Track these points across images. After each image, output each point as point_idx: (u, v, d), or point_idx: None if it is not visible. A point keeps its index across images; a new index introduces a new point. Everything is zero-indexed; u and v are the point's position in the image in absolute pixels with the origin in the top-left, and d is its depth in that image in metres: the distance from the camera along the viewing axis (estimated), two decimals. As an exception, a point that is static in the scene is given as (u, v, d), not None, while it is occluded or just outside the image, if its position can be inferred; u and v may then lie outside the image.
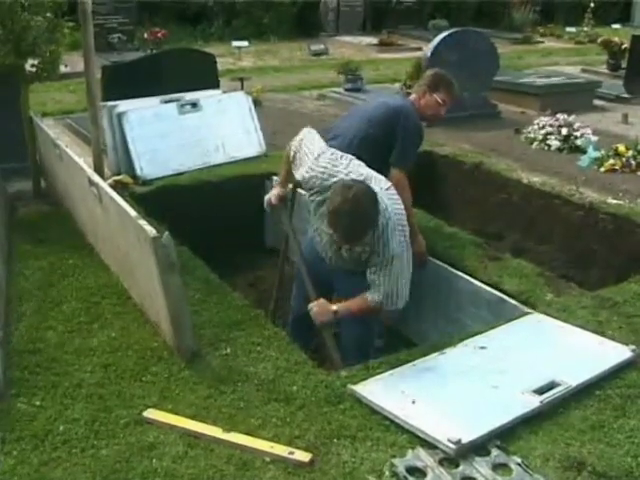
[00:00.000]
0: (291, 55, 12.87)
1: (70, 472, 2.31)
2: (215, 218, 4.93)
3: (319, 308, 3.25)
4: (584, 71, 10.90)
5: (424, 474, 2.27)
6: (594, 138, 6.15)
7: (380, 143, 3.86)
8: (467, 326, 3.73)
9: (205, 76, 6.57)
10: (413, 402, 2.57)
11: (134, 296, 3.45)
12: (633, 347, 2.97)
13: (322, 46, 13.06)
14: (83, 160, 3.93)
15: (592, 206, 4.77)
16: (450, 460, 2.32)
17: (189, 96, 5.68)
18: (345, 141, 3.85)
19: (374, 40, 14.18)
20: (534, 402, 2.60)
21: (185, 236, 3.86)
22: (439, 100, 4.03)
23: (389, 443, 2.42)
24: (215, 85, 6.47)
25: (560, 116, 6.62)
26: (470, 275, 3.96)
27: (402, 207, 3.22)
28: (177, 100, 5.60)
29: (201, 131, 5.57)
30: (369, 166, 3.38)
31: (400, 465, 2.29)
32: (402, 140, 3.85)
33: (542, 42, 15.51)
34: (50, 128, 4.94)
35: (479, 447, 2.38)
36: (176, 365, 2.90)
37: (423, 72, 5.12)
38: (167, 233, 2.76)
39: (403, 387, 2.68)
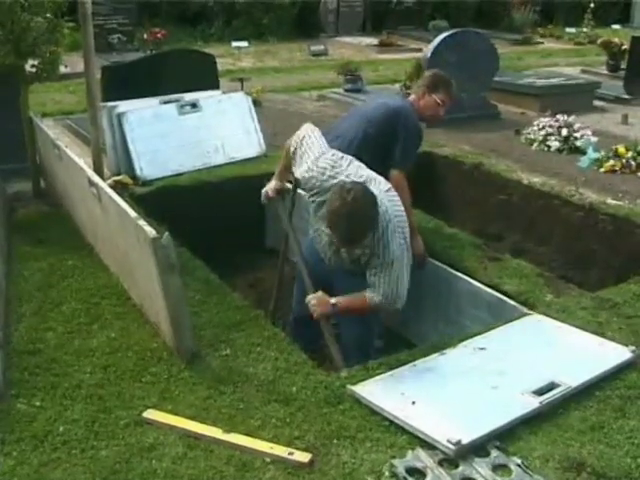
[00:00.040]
0: (291, 56, 12.87)
1: (70, 473, 2.31)
2: (215, 219, 4.93)
3: (317, 300, 3.26)
4: (584, 72, 10.90)
5: (424, 475, 2.27)
6: (594, 139, 6.16)
7: (380, 144, 3.86)
8: (467, 327, 3.73)
9: (205, 77, 6.57)
10: (413, 403, 2.57)
11: (134, 297, 3.45)
12: (633, 348, 2.97)
13: (322, 47, 13.05)
14: (83, 160, 3.93)
15: (592, 207, 4.77)
16: (450, 461, 2.32)
17: (189, 97, 5.68)
18: (345, 142, 3.85)
19: (374, 41, 14.17)
20: (534, 403, 2.60)
21: (185, 237, 3.86)
22: (438, 101, 4.04)
23: (389, 444, 2.42)
24: (215, 86, 6.47)
25: (560, 117, 6.62)
26: (470, 276, 3.96)
27: (402, 208, 3.22)
28: (177, 101, 5.60)
29: (201, 132, 5.57)
30: (369, 167, 3.38)
31: (400, 466, 2.29)
32: (402, 141, 3.86)
33: (542, 43, 15.50)
34: (50, 129, 4.93)
35: (479, 448, 2.38)
36: (176, 366, 2.90)
37: (423, 73, 5.13)
38: (167, 234, 2.76)
39: (403, 388, 2.68)
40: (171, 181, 5.20)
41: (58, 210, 4.61)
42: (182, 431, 2.49)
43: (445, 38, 7.30)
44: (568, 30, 16.14)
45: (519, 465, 2.31)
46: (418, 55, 10.01)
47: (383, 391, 2.66)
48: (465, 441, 2.34)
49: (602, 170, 5.74)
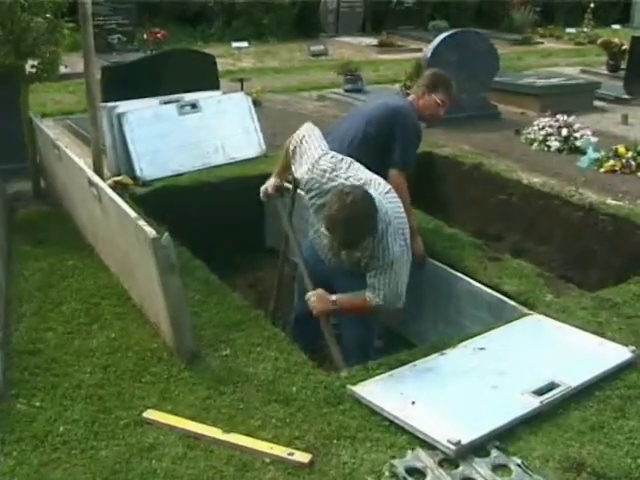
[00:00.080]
0: (291, 56, 12.87)
1: (70, 473, 2.31)
2: (215, 219, 4.93)
3: (317, 297, 3.26)
4: (584, 72, 10.90)
5: (424, 475, 2.27)
6: (594, 139, 6.16)
7: (379, 143, 3.86)
8: (467, 327, 3.73)
9: (205, 77, 6.58)
10: (413, 403, 2.57)
11: (134, 297, 3.45)
12: (633, 348, 2.97)
13: (322, 47, 13.05)
14: (83, 161, 3.93)
15: (592, 207, 4.77)
16: (450, 461, 2.32)
17: (189, 97, 5.68)
18: (345, 142, 3.86)
19: (374, 41, 14.17)
20: (534, 403, 2.60)
21: (185, 237, 3.86)
22: (438, 100, 4.03)
23: (389, 444, 2.42)
24: (215, 86, 6.48)
25: (560, 117, 6.62)
26: (470, 276, 3.96)
27: (402, 210, 3.22)
28: (177, 101, 5.60)
29: (201, 132, 5.57)
30: (369, 167, 3.37)
31: (400, 466, 2.29)
32: (401, 140, 3.86)
33: (542, 43, 15.50)
34: (50, 129, 4.94)
35: (479, 448, 2.38)
36: (176, 366, 2.90)
37: (423, 73, 5.12)
38: (167, 234, 2.76)
39: (403, 388, 2.68)
40: (171, 181, 5.20)
41: (58, 210, 4.61)
42: (182, 431, 2.49)
43: (445, 38, 7.31)
44: (568, 30, 16.14)
45: (519, 465, 2.31)
46: (418, 55, 10.01)
47: (383, 391, 2.66)
48: (465, 441, 2.34)
49: (602, 170, 5.74)
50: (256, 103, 6.70)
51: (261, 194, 3.91)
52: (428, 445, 2.38)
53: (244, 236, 5.06)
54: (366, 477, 2.28)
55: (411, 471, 2.28)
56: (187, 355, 2.93)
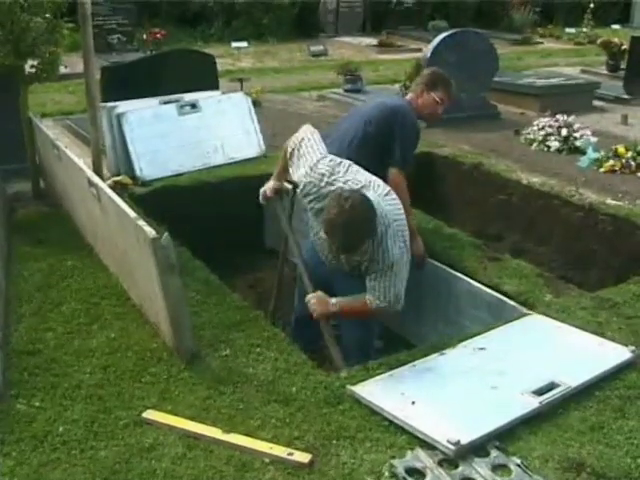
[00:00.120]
0: (290, 56, 12.87)
1: (69, 473, 2.31)
2: (215, 219, 4.93)
3: (317, 299, 3.26)
4: (583, 72, 10.90)
5: (423, 475, 2.27)
6: (594, 139, 6.16)
7: (379, 143, 3.86)
8: (466, 328, 3.73)
9: (204, 77, 6.58)
10: (412, 403, 2.57)
11: (133, 297, 3.45)
12: (633, 348, 2.97)
13: (321, 47, 13.06)
14: (82, 161, 3.93)
15: (592, 207, 4.77)
16: (449, 461, 2.32)
17: (188, 97, 5.68)
18: (344, 143, 3.86)
19: (374, 41, 14.17)
20: (533, 403, 2.60)
21: (185, 237, 3.86)
22: (437, 99, 4.03)
23: (388, 444, 2.42)
24: (214, 86, 6.48)
25: (560, 117, 6.62)
26: (469, 276, 3.96)
27: (402, 211, 3.21)
28: (176, 101, 5.60)
29: (200, 132, 5.57)
30: (368, 167, 3.37)
31: (399, 466, 2.29)
32: (400, 140, 3.86)
33: (541, 43, 15.51)
34: (49, 129, 4.94)
35: (478, 448, 2.38)
36: (175, 366, 2.90)
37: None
38: (166, 234, 2.76)
39: (402, 388, 2.68)
40: (171, 181, 5.20)
41: (58, 210, 4.61)
42: (182, 431, 2.49)
43: (445, 38, 7.31)
44: (568, 30, 16.14)
45: (519, 465, 2.31)
46: (418, 55, 10.02)
47: (383, 391, 2.66)
48: (465, 441, 2.34)
49: (602, 170, 5.74)
50: (256, 103, 6.70)
51: (260, 197, 3.90)
52: (428, 445, 2.38)
53: (244, 236, 5.06)
54: (366, 477, 2.28)
55: (411, 471, 2.28)
56: (187, 355, 2.93)
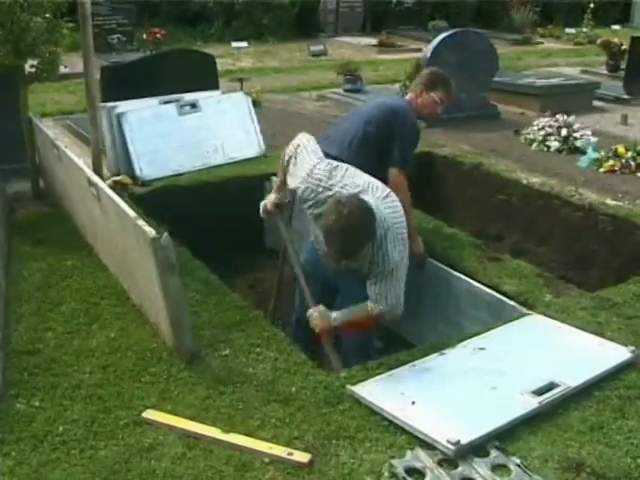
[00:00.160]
0: (290, 56, 12.87)
1: (69, 473, 2.31)
2: (214, 219, 4.93)
3: (319, 314, 3.20)
4: (583, 72, 10.90)
5: (423, 475, 2.27)
6: (593, 139, 6.17)
7: (379, 143, 3.86)
8: (466, 328, 3.73)
9: (204, 77, 6.57)
10: (412, 403, 2.57)
11: (133, 297, 3.45)
12: (632, 348, 2.97)
13: (321, 47, 13.05)
14: (82, 161, 3.93)
15: (591, 207, 4.77)
16: (449, 461, 2.32)
17: (188, 97, 5.68)
18: (345, 143, 3.86)
19: (373, 41, 14.17)
20: (533, 403, 2.60)
21: (184, 237, 3.86)
22: (436, 99, 4.03)
23: (388, 444, 2.42)
24: (214, 86, 6.47)
25: (559, 117, 6.62)
26: (469, 276, 3.96)
27: (401, 214, 3.18)
28: (176, 101, 5.60)
29: (200, 132, 5.57)
30: (368, 167, 3.37)
31: (399, 466, 2.29)
32: (400, 140, 3.86)
33: (541, 43, 15.51)
34: (49, 129, 4.93)
35: (478, 448, 2.38)
36: (175, 366, 2.90)
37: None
38: (166, 234, 2.76)
39: (402, 388, 2.68)
40: (171, 181, 5.20)
41: (57, 210, 4.61)
42: (181, 431, 2.49)
43: (445, 38, 7.31)
44: (568, 30, 16.14)
45: (518, 465, 2.31)
46: (418, 55, 10.01)
47: (383, 391, 2.66)
48: (464, 441, 2.34)
49: (602, 170, 5.74)
50: (256, 103, 6.70)
51: (261, 210, 3.83)
52: (427, 445, 2.38)
53: (244, 236, 5.05)
54: (365, 477, 2.28)
55: (410, 471, 2.28)
56: (187, 355, 2.93)
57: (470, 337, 3.13)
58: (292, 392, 2.72)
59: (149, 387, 2.77)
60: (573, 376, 2.77)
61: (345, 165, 3.33)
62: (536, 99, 8.19)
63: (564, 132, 6.39)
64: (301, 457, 2.34)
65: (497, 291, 3.78)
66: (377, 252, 3.04)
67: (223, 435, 2.46)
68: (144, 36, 11.81)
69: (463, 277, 3.96)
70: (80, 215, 4.19)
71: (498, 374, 2.80)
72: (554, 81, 8.95)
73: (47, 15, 4.47)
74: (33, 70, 4.63)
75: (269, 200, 3.80)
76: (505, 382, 2.75)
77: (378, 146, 3.85)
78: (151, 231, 2.75)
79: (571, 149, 6.29)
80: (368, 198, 3.08)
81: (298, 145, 3.47)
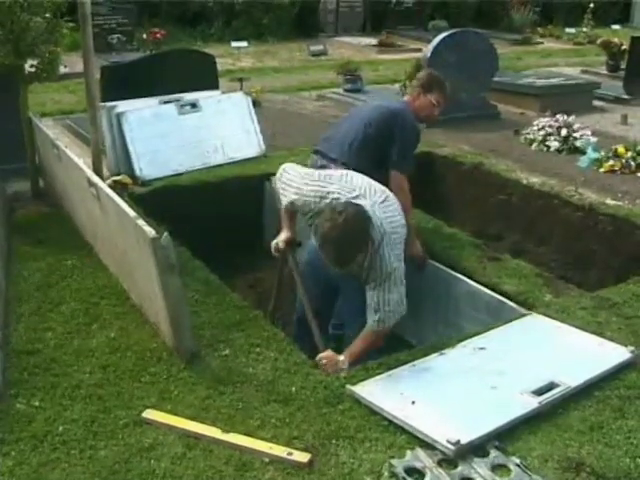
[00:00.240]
0: (290, 56, 12.87)
1: (69, 473, 2.31)
2: (214, 219, 4.93)
3: (327, 360, 3.10)
4: (584, 72, 10.90)
5: (423, 475, 2.27)
6: (593, 139, 6.17)
7: (379, 145, 3.87)
8: (466, 330, 3.71)
9: (204, 77, 6.57)
10: (412, 403, 2.57)
11: (133, 297, 3.45)
12: (632, 348, 2.97)
13: (321, 47, 13.05)
14: (82, 161, 3.93)
15: (591, 207, 4.77)
16: (449, 461, 2.32)
17: (188, 96, 5.68)
18: (345, 145, 3.88)
19: (373, 41, 14.16)
20: (533, 403, 2.60)
21: (184, 237, 3.86)
22: (433, 101, 4.06)
23: (388, 444, 2.42)
24: (214, 86, 6.47)
25: (559, 117, 6.62)
26: (469, 276, 3.96)
27: (399, 217, 3.18)
28: (176, 100, 5.60)
29: (200, 132, 5.57)
30: (369, 168, 3.37)
31: (399, 466, 2.29)
32: (400, 142, 3.87)
33: (541, 43, 15.50)
34: (49, 129, 4.93)
35: (478, 448, 2.38)
36: (175, 366, 2.90)
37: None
38: (166, 234, 2.76)
39: (402, 388, 2.68)
40: (171, 181, 5.19)
41: (57, 210, 4.60)
42: (181, 431, 2.49)
43: (444, 38, 7.31)
44: (568, 30, 16.13)
45: (518, 465, 2.31)
46: (418, 55, 10.01)
47: (382, 391, 2.66)
48: (464, 441, 2.34)
49: (602, 170, 5.74)
50: (256, 103, 6.69)
51: (272, 249, 3.74)
52: (427, 445, 2.38)
53: (244, 236, 5.05)
54: (365, 477, 2.28)
55: (410, 471, 2.28)
56: (186, 355, 2.93)
57: (470, 337, 3.13)
58: (292, 392, 2.72)
59: (149, 387, 2.77)
60: (573, 376, 2.77)
61: (340, 171, 3.33)
62: (536, 99, 8.19)
63: (564, 132, 6.39)
64: (301, 457, 2.34)
65: (497, 291, 3.78)
66: (374, 256, 3.03)
67: (223, 435, 2.46)
68: (144, 36, 11.80)
69: (463, 278, 3.96)
70: (80, 215, 4.19)
71: (498, 374, 2.80)
72: (554, 81, 8.95)
73: (47, 15, 4.47)
74: (33, 70, 4.63)
75: (280, 238, 3.70)
76: (505, 382, 2.75)
77: (378, 148, 3.86)
78: (151, 231, 2.75)
79: (571, 149, 6.29)
80: (365, 202, 3.07)
81: (284, 169, 3.48)
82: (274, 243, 3.73)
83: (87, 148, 5.18)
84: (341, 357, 3.11)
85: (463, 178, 5.67)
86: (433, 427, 2.42)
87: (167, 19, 14.10)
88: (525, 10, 16.84)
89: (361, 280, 3.17)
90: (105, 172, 4.92)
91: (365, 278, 3.12)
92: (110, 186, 3.81)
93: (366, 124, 3.92)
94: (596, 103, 8.66)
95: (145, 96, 5.57)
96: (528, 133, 6.66)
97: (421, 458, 2.33)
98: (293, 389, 2.74)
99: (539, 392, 2.66)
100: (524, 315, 3.41)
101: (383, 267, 3.04)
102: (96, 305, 3.43)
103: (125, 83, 5.99)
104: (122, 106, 5.35)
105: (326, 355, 3.14)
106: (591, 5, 15.17)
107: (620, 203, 4.92)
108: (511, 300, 3.68)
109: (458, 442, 2.32)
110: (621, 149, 5.93)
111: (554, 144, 6.36)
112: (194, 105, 5.61)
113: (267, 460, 2.36)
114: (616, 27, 16.57)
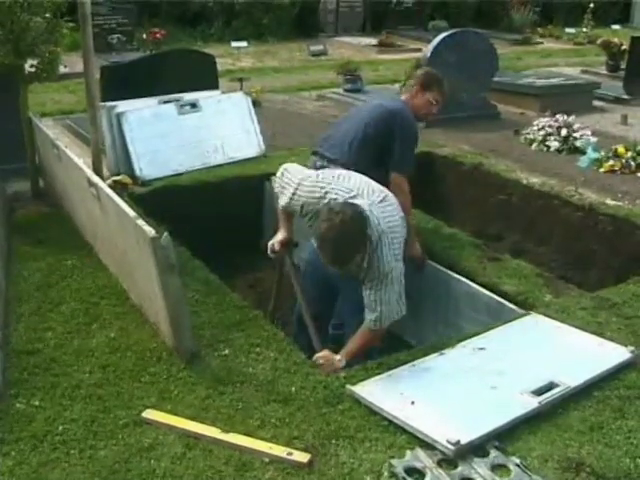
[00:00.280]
0: (290, 56, 12.87)
1: (69, 473, 2.31)
2: (214, 219, 4.93)
3: (325, 359, 3.10)
4: (584, 72, 10.91)
5: (423, 475, 2.27)
6: (593, 139, 6.17)
7: (378, 144, 3.87)
8: (466, 330, 3.72)
9: (204, 77, 6.57)
10: (412, 403, 2.57)
11: (133, 297, 3.45)
12: (632, 348, 2.97)
13: (321, 47, 13.05)
14: (82, 161, 3.93)
15: (591, 207, 4.77)
16: (449, 461, 2.32)
17: (188, 96, 5.68)
18: (345, 144, 3.88)
19: (373, 41, 14.16)
20: (533, 403, 2.60)
21: (184, 237, 3.86)
22: (432, 100, 4.06)
23: (388, 444, 2.42)
24: (214, 86, 6.47)
25: (559, 117, 6.62)
26: (469, 276, 3.96)
27: (397, 217, 3.17)
28: (176, 100, 5.60)
29: (200, 131, 5.57)
30: (368, 168, 3.37)
31: (399, 466, 2.29)
32: (400, 142, 3.87)
33: (541, 43, 15.51)
34: (49, 128, 4.93)
35: (478, 448, 2.38)
36: (175, 366, 2.90)
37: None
38: (166, 234, 2.76)
39: (402, 388, 2.68)
40: (170, 181, 5.19)
41: (57, 210, 4.60)
42: (181, 431, 2.49)
43: (444, 38, 7.31)
44: (568, 30, 16.13)
45: (518, 465, 2.31)
46: (418, 55, 10.02)
47: (382, 391, 2.66)
48: (464, 441, 2.34)
49: (602, 170, 5.74)
50: (256, 103, 6.69)
51: (268, 250, 3.72)
52: (427, 445, 2.38)
53: (244, 236, 5.05)
54: (365, 477, 2.28)
55: (410, 471, 2.28)
56: (186, 355, 2.93)
57: (470, 337, 3.13)
58: (292, 392, 2.72)
59: (149, 387, 2.77)
60: (573, 376, 2.77)
61: (337, 171, 3.33)
62: (536, 99, 8.19)
63: (564, 132, 6.39)
64: (301, 457, 2.34)
65: (497, 291, 3.78)
66: (372, 256, 3.03)
67: (223, 435, 2.46)
68: (144, 36, 11.80)
69: (463, 279, 3.96)
70: (80, 215, 4.19)
71: (498, 374, 2.80)
72: (554, 81, 8.95)
73: (47, 15, 4.47)
74: (33, 70, 4.63)
75: (276, 239, 3.68)
76: (505, 382, 2.75)
77: (378, 148, 3.86)
78: (151, 231, 2.75)
79: (571, 149, 6.29)
80: (362, 202, 3.06)
81: (285, 169, 3.47)
82: (270, 244, 3.71)
83: (87, 148, 5.18)
84: (338, 356, 3.11)
85: (463, 178, 5.67)
86: (433, 427, 2.42)
87: (167, 19, 14.10)
88: (525, 10, 16.84)
89: (360, 280, 3.17)
90: (105, 172, 4.92)
91: (363, 277, 3.12)
92: (110, 186, 3.81)
93: (366, 124, 3.92)
94: (596, 103, 8.66)
95: (145, 96, 5.57)
96: (528, 133, 6.66)
97: (421, 458, 2.33)
98: (293, 389, 2.74)
99: (539, 392, 2.66)
100: (524, 315, 3.41)
101: (381, 266, 3.04)
102: (96, 305, 3.43)
103: (125, 83, 6.00)
104: (122, 106, 5.35)
105: (323, 355, 3.14)
106: (591, 5, 15.16)
107: (620, 203, 4.92)
108: (511, 300, 3.68)
109: (458, 442, 2.32)
110: (621, 149, 5.94)
111: (554, 144, 6.36)
112: (194, 105, 5.61)
113: (267, 460, 2.35)
114: (616, 27, 16.57)
